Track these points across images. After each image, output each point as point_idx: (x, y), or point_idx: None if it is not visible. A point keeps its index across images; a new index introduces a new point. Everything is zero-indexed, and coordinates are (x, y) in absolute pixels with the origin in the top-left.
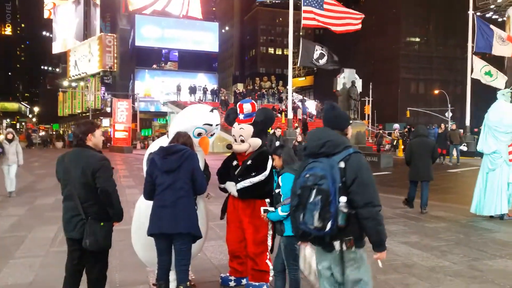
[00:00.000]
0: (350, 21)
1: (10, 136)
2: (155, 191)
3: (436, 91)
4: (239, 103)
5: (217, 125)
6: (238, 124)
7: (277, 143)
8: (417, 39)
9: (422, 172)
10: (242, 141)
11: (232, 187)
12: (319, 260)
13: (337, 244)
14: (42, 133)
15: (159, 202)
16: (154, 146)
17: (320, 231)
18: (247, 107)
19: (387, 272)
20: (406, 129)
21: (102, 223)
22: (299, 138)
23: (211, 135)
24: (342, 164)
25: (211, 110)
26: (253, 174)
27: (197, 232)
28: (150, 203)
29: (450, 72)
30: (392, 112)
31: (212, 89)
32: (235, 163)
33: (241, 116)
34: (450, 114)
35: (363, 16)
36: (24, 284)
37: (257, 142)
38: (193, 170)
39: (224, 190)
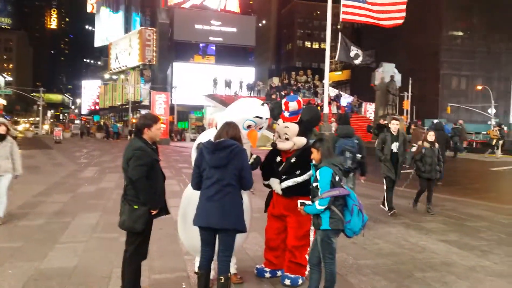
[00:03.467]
0: (393, 14)
1: (2, 130)
2: (201, 182)
3: (479, 87)
4: (284, 100)
5: (266, 118)
6: (283, 122)
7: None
8: (460, 33)
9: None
10: (287, 139)
11: (276, 184)
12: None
13: (352, 174)
14: (76, 123)
15: (206, 195)
16: (203, 137)
17: (350, 169)
18: (293, 105)
19: (425, 270)
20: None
21: (136, 206)
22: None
23: (259, 129)
24: (356, 141)
25: (262, 104)
26: (298, 172)
27: (242, 228)
28: (196, 192)
29: (494, 67)
30: (432, 107)
31: (248, 83)
32: (278, 159)
33: (286, 114)
34: (493, 111)
35: (406, 1)
36: (69, 267)
37: (302, 141)
38: (241, 167)
39: (268, 186)
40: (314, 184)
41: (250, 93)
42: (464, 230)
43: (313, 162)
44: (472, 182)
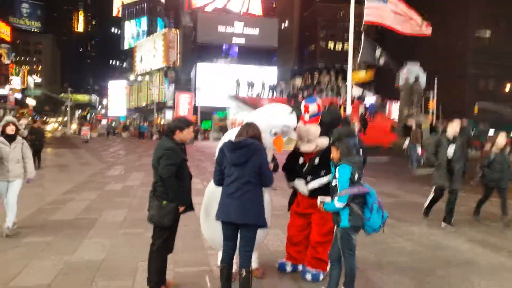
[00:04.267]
0: (417, 27)
1: (11, 130)
2: (223, 179)
3: (507, 88)
4: (304, 102)
5: (294, 127)
6: (304, 125)
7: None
8: (487, 35)
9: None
10: (309, 141)
11: (302, 186)
12: None
13: None
14: (103, 123)
15: (227, 192)
16: (227, 137)
17: None
18: (313, 108)
19: (447, 268)
20: None
21: (165, 202)
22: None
23: (285, 136)
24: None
25: (291, 112)
26: (322, 173)
27: (263, 223)
28: (217, 188)
29: None
30: (458, 107)
31: (270, 84)
32: (301, 160)
33: (306, 117)
34: None
35: (430, 30)
36: (97, 261)
37: (325, 142)
38: (260, 165)
39: (293, 188)
40: (333, 183)
41: (273, 94)
42: (490, 230)
43: (333, 160)
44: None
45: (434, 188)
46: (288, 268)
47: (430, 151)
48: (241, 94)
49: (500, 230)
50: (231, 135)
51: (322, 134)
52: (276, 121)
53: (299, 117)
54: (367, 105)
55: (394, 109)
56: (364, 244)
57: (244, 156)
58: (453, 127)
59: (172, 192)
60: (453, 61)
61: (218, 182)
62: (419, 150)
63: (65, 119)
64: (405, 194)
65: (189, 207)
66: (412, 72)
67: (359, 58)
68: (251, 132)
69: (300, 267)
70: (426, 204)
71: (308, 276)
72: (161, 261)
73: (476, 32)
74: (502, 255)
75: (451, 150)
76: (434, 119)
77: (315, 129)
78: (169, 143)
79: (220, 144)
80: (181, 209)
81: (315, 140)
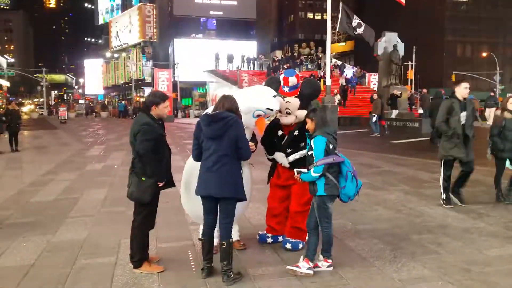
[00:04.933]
0: None
1: None
2: (201, 154)
3: (484, 54)
4: (283, 75)
5: (277, 110)
6: (284, 97)
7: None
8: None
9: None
10: (289, 113)
11: (282, 158)
12: None
13: None
14: (81, 103)
15: (206, 166)
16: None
17: None
18: (292, 80)
19: (421, 233)
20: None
21: (143, 178)
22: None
23: (267, 117)
24: None
25: (274, 96)
26: (302, 145)
27: (242, 196)
28: (196, 163)
29: (499, 33)
30: (436, 76)
31: (248, 57)
32: (280, 133)
33: (286, 89)
34: (499, 78)
35: None
36: (80, 239)
37: (304, 114)
38: (237, 138)
39: (273, 160)
40: (309, 153)
41: (252, 67)
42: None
43: (308, 131)
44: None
45: (444, 162)
46: (269, 240)
47: (441, 119)
48: (221, 68)
49: (471, 193)
50: (208, 110)
51: (302, 105)
52: (259, 103)
53: (277, 89)
54: (348, 77)
55: (373, 80)
56: (342, 212)
57: (220, 130)
58: (462, 90)
59: (149, 167)
60: (431, 28)
61: (196, 157)
62: (374, 119)
63: (42, 100)
64: (382, 164)
65: (170, 183)
66: (390, 42)
67: (337, 28)
68: (227, 105)
69: (280, 238)
70: (444, 185)
71: (288, 246)
72: (143, 238)
73: None
74: (472, 217)
75: (463, 115)
76: (412, 89)
77: (295, 101)
78: (145, 118)
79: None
80: (160, 184)
81: (295, 112)
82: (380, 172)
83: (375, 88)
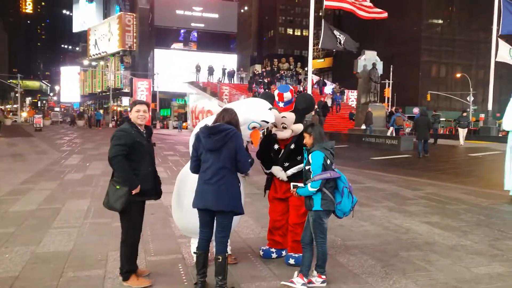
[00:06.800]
0: (375, 13)
1: None
2: (199, 166)
3: (458, 75)
4: (277, 91)
5: (272, 123)
6: (280, 112)
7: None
8: (440, 21)
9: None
10: (285, 128)
11: (280, 172)
12: None
13: None
14: (56, 111)
15: (204, 179)
16: (201, 124)
17: None
18: (287, 95)
19: (409, 250)
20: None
21: (118, 187)
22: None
23: (262, 129)
24: None
25: (270, 108)
26: (299, 158)
27: (239, 210)
28: (189, 175)
29: (473, 55)
30: (412, 95)
31: (229, 70)
32: (276, 147)
33: (281, 104)
34: (472, 98)
35: (386, 14)
36: (65, 251)
37: (300, 127)
38: (236, 150)
39: (270, 174)
40: (307, 167)
41: (231, 81)
42: (445, 212)
43: (306, 146)
44: (451, 167)
45: None
46: (274, 255)
47: None
48: (201, 80)
49: (453, 211)
50: (207, 121)
51: (297, 119)
52: (255, 116)
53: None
54: (331, 95)
55: (351, 97)
56: (330, 228)
57: (219, 142)
58: None
59: (118, 173)
60: (408, 48)
61: (194, 169)
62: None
63: (15, 106)
64: (364, 180)
65: (152, 194)
66: (369, 60)
67: (320, 44)
68: (227, 118)
69: (284, 252)
70: None
71: (291, 261)
72: (129, 250)
73: (428, 19)
74: (457, 234)
75: None
76: (389, 107)
77: (291, 116)
78: (125, 126)
79: (194, 131)
80: (133, 192)
81: (291, 126)
82: (363, 188)
83: (353, 105)
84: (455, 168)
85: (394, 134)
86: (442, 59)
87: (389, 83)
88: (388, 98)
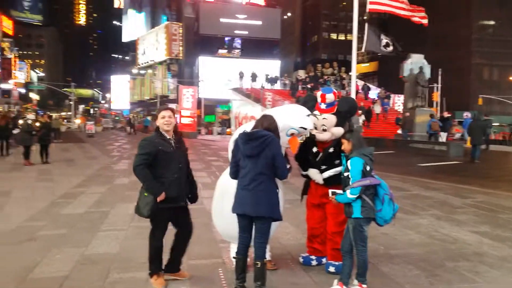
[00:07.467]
0: (416, 14)
1: None
2: (238, 171)
3: None
4: (320, 92)
5: (310, 129)
6: (320, 114)
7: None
8: (491, 22)
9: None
10: (324, 130)
11: (316, 175)
12: None
13: None
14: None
15: (242, 184)
16: (240, 130)
17: None
18: (330, 97)
19: (457, 260)
20: None
21: (146, 194)
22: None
23: (300, 136)
24: None
25: (308, 115)
26: (337, 162)
27: (278, 216)
28: (229, 181)
29: None
30: (462, 99)
31: (271, 77)
32: (315, 149)
33: (323, 106)
34: None
35: (426, 20)
36: (112, 253)
37: (340, 131)
38: (274, 156)
39: (306, 176)
40: (346, 174)
41: (273, 87)
42: (497, 222)
43: (344, 152)
44: (504, 174)
45: None
46: (314, 262)
47: None
48: (245, 86)
49: (505, 220)
50: (246, 127)
51: (338, 123)
52: (293, 122)
53: (311, 108)
54: (378, 100)
55: (397, 101)
56: (373, 236)
57: (257, 148)
58: None
59: (141, 181)
60: (457, 51)
61: (234, 175)
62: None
63: (69, 113)
64: (410, 187)
65: (181, 200)
66: (416, 63)
67: (363, 48)
68: (266, 124)
69: (324, 260)
70: None
71: (332, 269)
72: (152, 251)
73: (479, 20)
74: (508, 245)
75: None
76: (438, 111)
77: (332, 118)
78: (151, 135)
79: (233, 137)
80: (159, 199)
81: (331, 129)
82: (409, 195)
83: (400, 110)
84: (509, 175)
85: (439, 140)
86: (494, 61)
87: (437, 87)
88: (437, 102)
